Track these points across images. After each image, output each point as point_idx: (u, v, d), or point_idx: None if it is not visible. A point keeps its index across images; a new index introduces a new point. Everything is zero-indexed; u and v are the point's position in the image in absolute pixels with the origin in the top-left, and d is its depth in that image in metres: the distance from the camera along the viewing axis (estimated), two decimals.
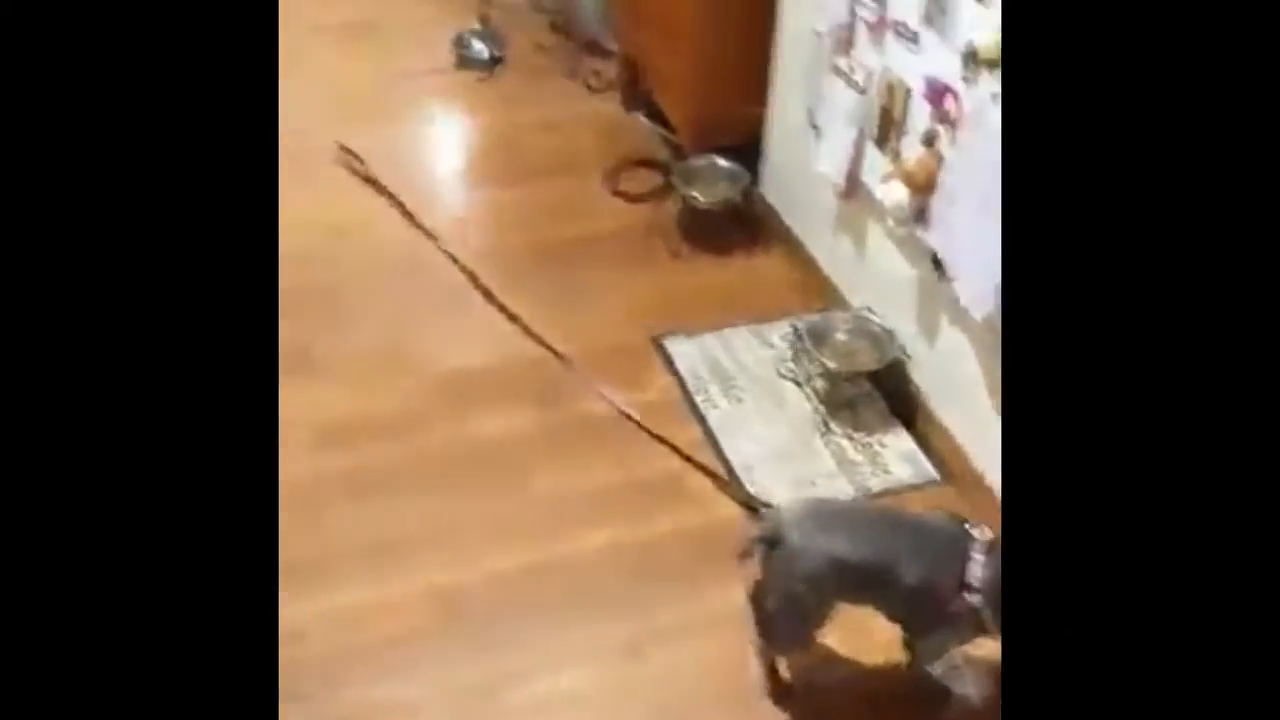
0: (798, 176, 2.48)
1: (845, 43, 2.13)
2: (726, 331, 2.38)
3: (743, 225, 2.63)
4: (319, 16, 3.38)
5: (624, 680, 1.76)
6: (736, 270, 2.57)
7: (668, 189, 2.73)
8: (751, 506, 2.00)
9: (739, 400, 2.23)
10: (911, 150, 1.97)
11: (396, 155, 2.88)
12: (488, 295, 2.43)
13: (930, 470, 2.09)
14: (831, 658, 1.73)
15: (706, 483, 2.07)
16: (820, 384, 2.24)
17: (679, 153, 2.78)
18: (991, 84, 1.72)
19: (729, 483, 2.06)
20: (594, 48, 3.21)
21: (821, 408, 2.22)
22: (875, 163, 2.11)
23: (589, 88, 3.12)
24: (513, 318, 2.38)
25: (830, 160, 2.25)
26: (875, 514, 1.75)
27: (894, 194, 1.99)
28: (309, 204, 2.69)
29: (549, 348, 2.30)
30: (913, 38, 1.92)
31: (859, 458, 2.12)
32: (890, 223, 2.07)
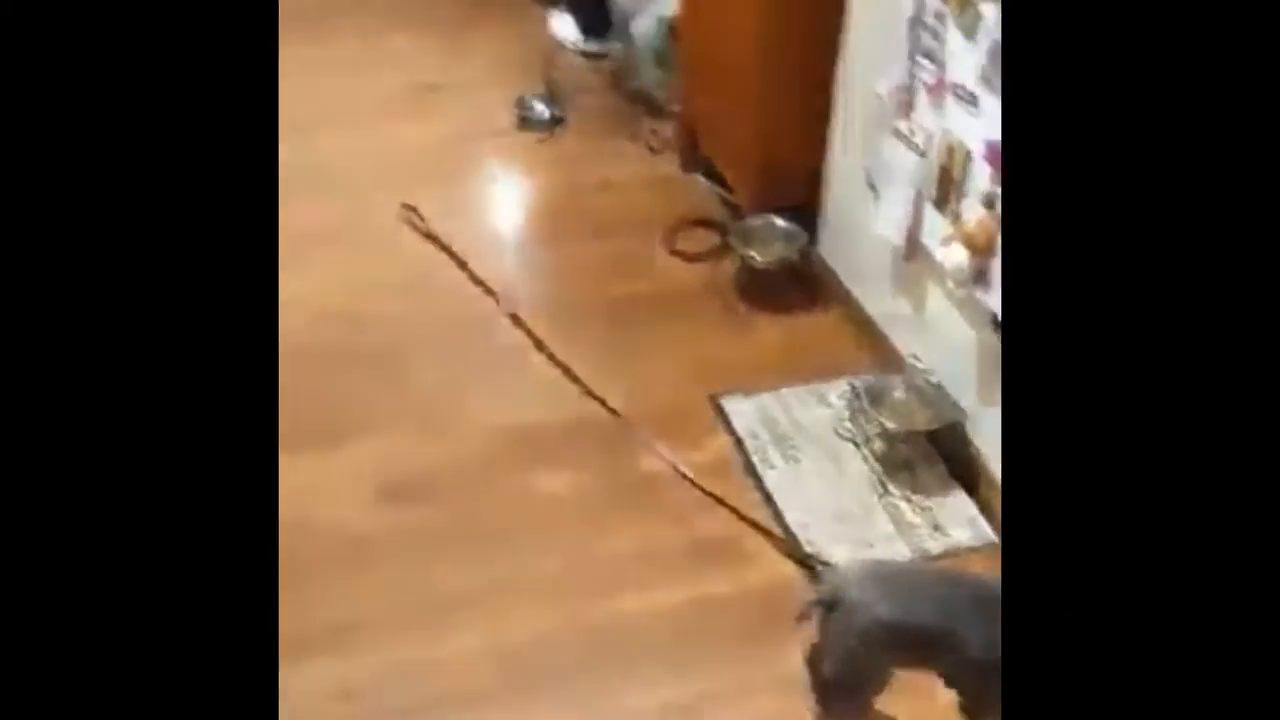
0: (856, 237, 2.48)
1: (905, 105, 2.15)
2: (784, 391, 2.37)
3: (800, 285, 2.64)
4: (387, 80, 3.48)
5: None
6: (794, 329, 2.58)
7: (725, 248, 2.75)
8: (809, 567, 1.98)
9: (796, 460, 2.22)
10: (972, 212, 1.97)
11: (459, 214, 2.93)
12: (547, 353, 2.45)
13: (990, 534, 2.06)
14: None
15: (764, 543, 2.05)
16: (878, 444, 2.23)
17: (737, 213, 2.80)
18: None
19: (786, 543, 2.04)
20: (654, 110, 3.25)
21: (879, 468, 2.20)
22: (935, 225, 2.11)
23: (649, 149, 3.16)
24: (571, 376, 2.39)
25: (889, 222, 2.26)
26: (935, 576, 1.72)
27: (954, 256, 1.99)
28: (373, 262, 2.75)
29: (607, 406, 2.31)
30: (972, 100, 1.92)
31: (917, 520, 2.10)
32: (950, 284, 2.07)
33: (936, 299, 2.21)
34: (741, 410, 2.33)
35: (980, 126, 1.92)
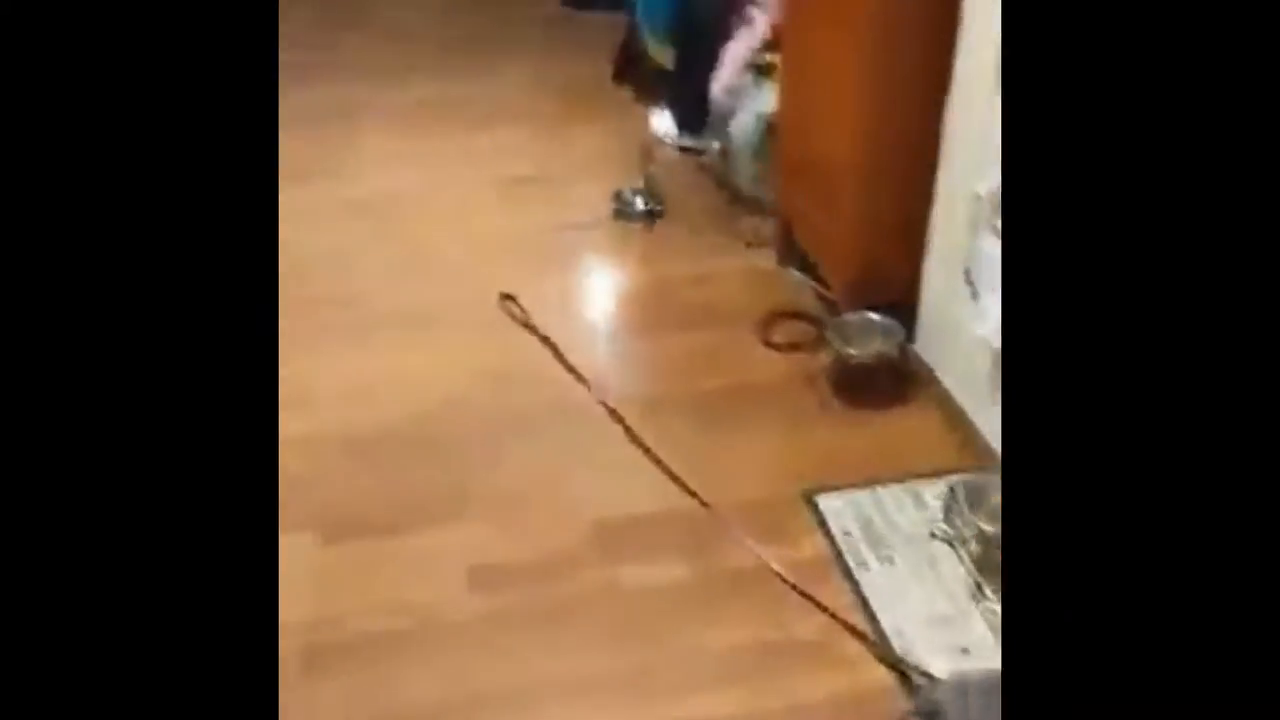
0: (953, 335, 2.46)
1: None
2: (879, 489, 2.34)
3: (896, 381, 2.62)
4: (490, 171, 3.58)
5: None
6: (890, 426, 2.55)
7: (820, 342, 2.74)
8: (903, 673, 1.93)
9: (890, 561, 2.18)
10: None
11: (555, 303, 2.98)
12: (639, 443, 2.46)
13: None
14: None
15: (856, 646, 2.01)
16: (975, 547, 2.17)
17: (832, 307, 2.80)
18: None
19: (879, 647, 2.00)
20: (751, 204, 3.28)
21: (976, 572, 2.14)
22: None
23: (745, 243, 3.19)
24: (663, 467, 2.39)
25: (987, 322, 2.23)
26: None
27: None
28: (470, 349, 2.80)
29: (698, 499, 2.31)
30: None
31: None
32: None
33: None
34: (835, 507, 2.30)
35: None
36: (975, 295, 2.30)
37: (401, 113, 4.01)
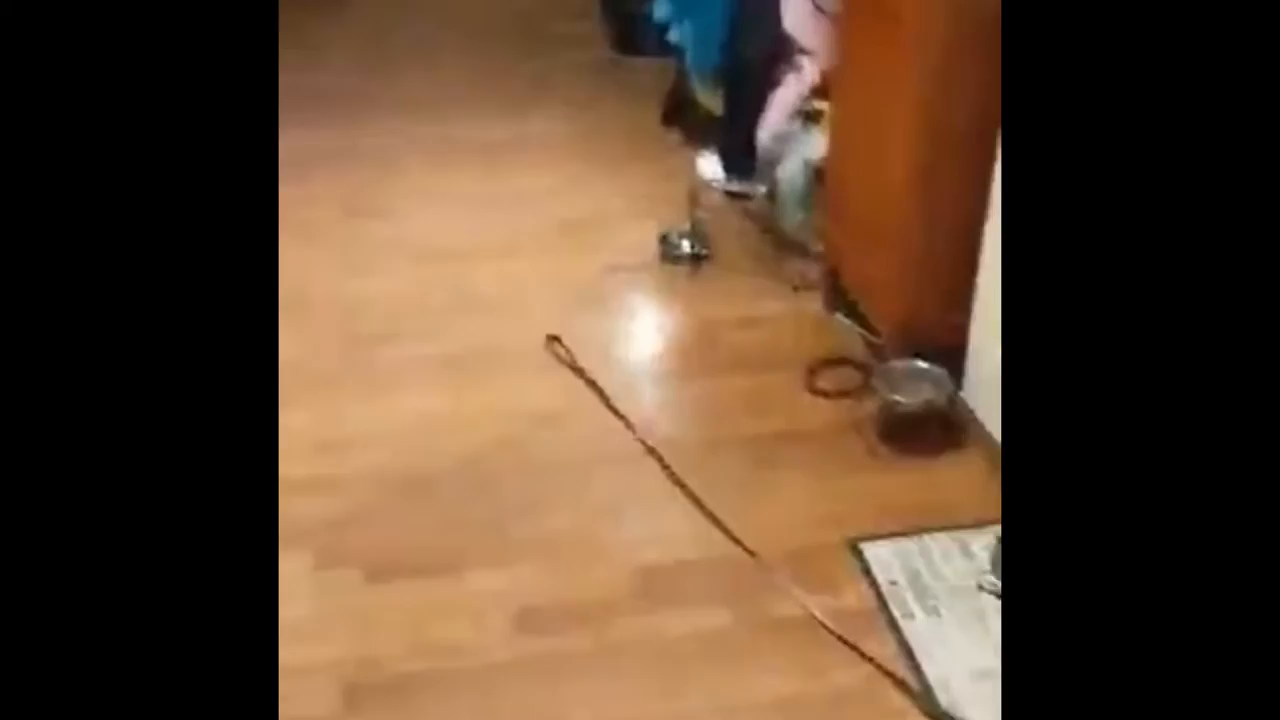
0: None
1: None
2: (926, 539, 2.32)
3: (944, 429, 2.59)
4: (538, 213, 3.61)
5: None
6: (937, 475, 2.52)
7: (866, 388, 2.73)
8: None
9: (936, 612, 2.15)
10: None
11: (601, 346, 2.99)
12: (682, 487, 2.45)
13: None
14: None
15: (900, 698, 1.98)
16: None
17: (879, 353, 2.79)
18: None
19: (924, 700, 1.97)
20: (798, 249, 3.28)
21: None
22: None
23: (792, 287, 3.19)
24: (706, 512, 2.38)
25: None
26: None
27: None
28: (516, 390, 2.82)
29: (742, 545, 2.29)
30: None
31: None
32: None
33: None
34: (881, 557, 2.27)
35: None
36: None
37: (452, 154, 4.06)
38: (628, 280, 3.30)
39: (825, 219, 3.09)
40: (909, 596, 2.18)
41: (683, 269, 3.31)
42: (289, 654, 2.07)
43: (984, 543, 2.29)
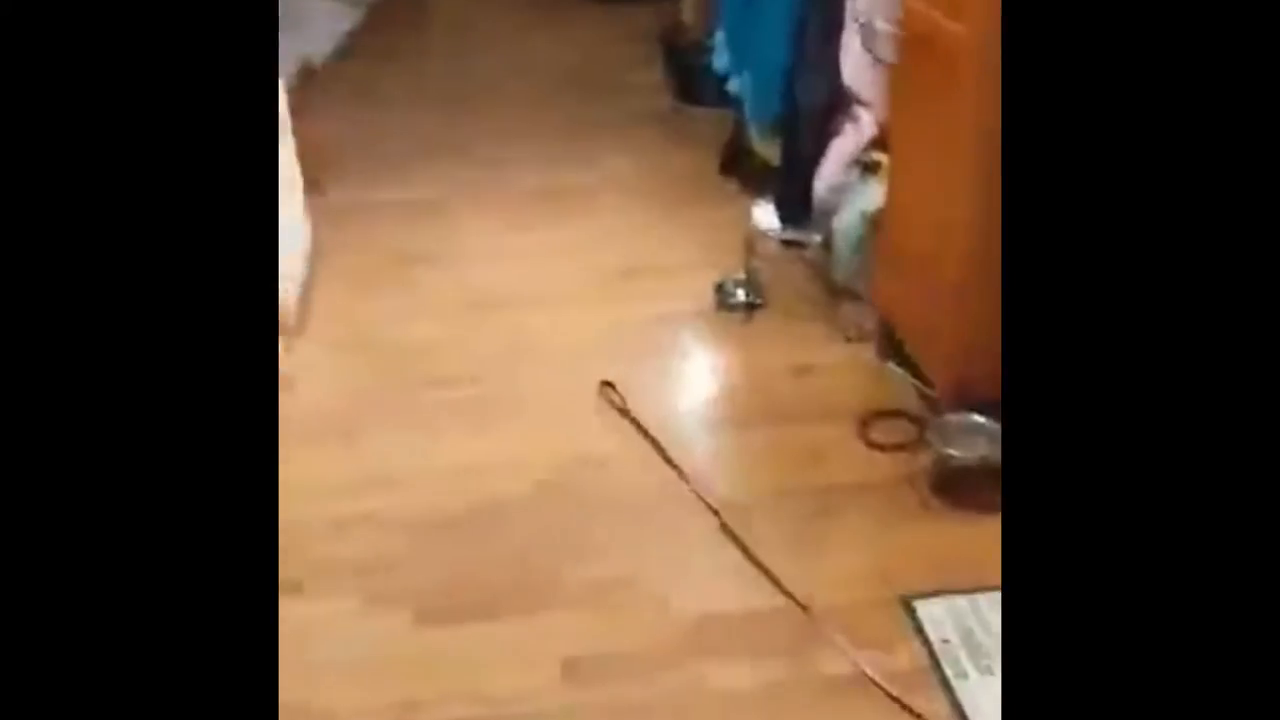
0: None
1: None
2: (980, 597, 2.28)
3: (998, 484, 2.55)
4: (593, 259, 3.64)
5: None
6: (991, 531, 2.47)
7: (920, 441, 2.70)
8: None
9: (990, 671, 2.11)
10: None
11: (654, 392, 2.99)
12: (734, 537, 2.44)
13: None
14: None
15: None
16: None
17: (932, 404, 2.76)
18: None
19: None
20: (852, 298, 3.27)
21: None
22: None
23: (846, 337, 3.17)
24: (758, 563, 2.37)
25: None
26: None
27: None
28: (569, 435, 2.83)
29: (794, 598, 2.27)
30: None
31: None
32: None
33: None
34: (934, 614, 2.24)
35: None
36: None
37: (511, 200, 4.11)
38: (682, 327, 3.31)
39: (880, 269, 3.08)
40: (962, 655, 2.14)
41: (737, 317, 3.32)
42: (336, 696, 2.09)
43: None
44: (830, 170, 3.34)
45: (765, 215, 3.62)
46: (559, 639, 2.20)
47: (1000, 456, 2.56)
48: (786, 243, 3.54)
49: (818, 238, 3.42)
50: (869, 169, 3.19)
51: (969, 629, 2.20)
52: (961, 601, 2.27)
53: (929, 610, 2.25)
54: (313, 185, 3.72)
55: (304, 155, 3.54)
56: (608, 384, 2.96)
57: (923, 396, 2.86)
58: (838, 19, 3.30)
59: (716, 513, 2.51)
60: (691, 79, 4.58)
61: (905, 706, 2.03)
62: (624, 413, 2.87)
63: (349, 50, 5.04)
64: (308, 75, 4.17)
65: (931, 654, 2.15)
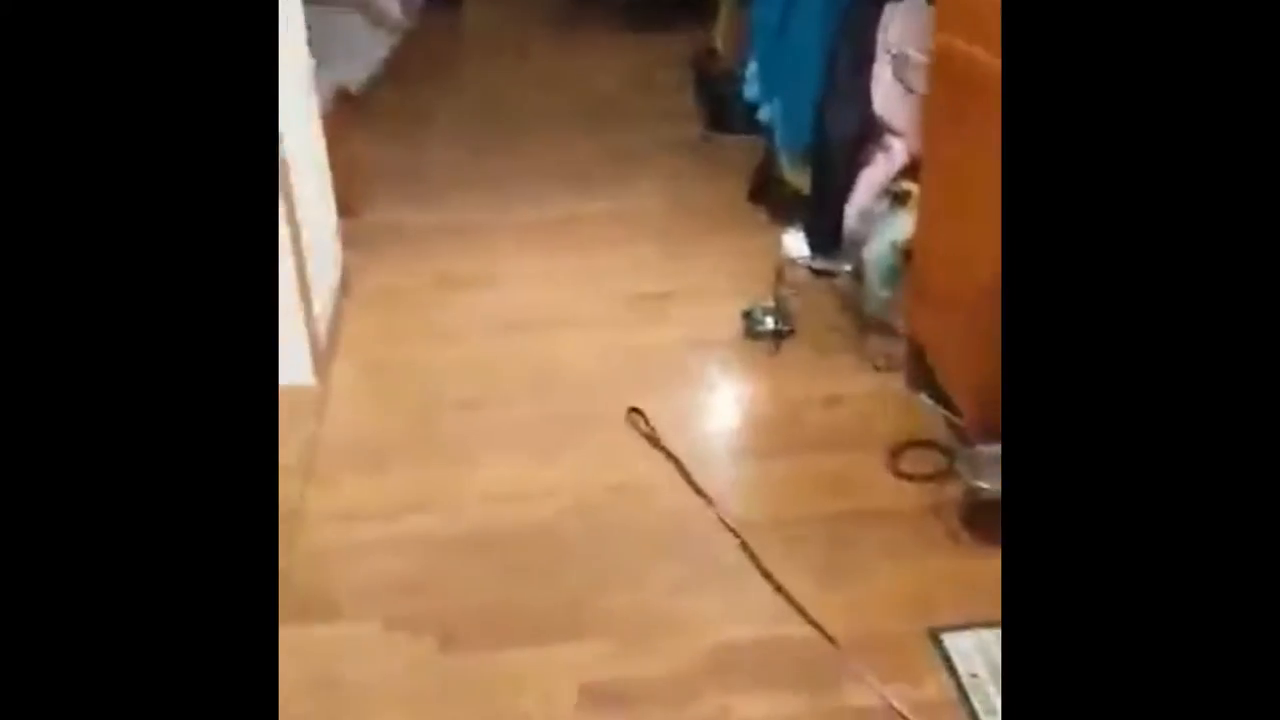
0: None
1: None
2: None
3: None
4: (623, 287, 3.65)
5: None
6: None
7: (950, 472, 2.68)
8: None
9: None
10: None
11: (682, 420, 2.99)
12: (760, 567, 2.43)
13: None
14: None
15: None
16: None
17: (962, 435, 2.75)
18: None
19: None
20: (881, 328, 3.26)
21: None
22: None
23: (875, 367, 3.16)
24: (784, 593, 2.35)
25: None
26: None
27: None
28: (595, 461, 2.83)
29: (820, 629, 2.25)
30: None
31: None
32: None
33: None
34: (962, 647, 2.22)
35: None
36: None
37: (542, 225, 4.13)
38: (711, 355, 3.31)
39: (910, 299, 3.07)
40: (991, 690, 2.12)
41: (766, 345, 3.31)
42: (359, 719, 2.09)
43: None
44: (861, 199, 3.34)
45: (795, 244, 3.62)
46: (583, 666, 2.19)
47: None
48: (816, 271, 3.53)
49: (847, 267, 3.41)
50: (899, 199, 3.19)
51: (997, 663, 2.18)
52: (990, 635, 2.24)
53: (957, 643, 2.23)
54: (346, 209, 3.75)
55: (339, 180, 3.58)
56: (636, 410, 2.96)
57: (952, 427, 2.84)
58: (869, 50, 3.31)
59: (743, 541, 2.51)
60: (722, 107, 4.60)
61: None
62: (652, 440, 2.88)
63: (385, 76, 5.09)
64: (344, 100, 4.22)
65: (960, 687, 2.13)
